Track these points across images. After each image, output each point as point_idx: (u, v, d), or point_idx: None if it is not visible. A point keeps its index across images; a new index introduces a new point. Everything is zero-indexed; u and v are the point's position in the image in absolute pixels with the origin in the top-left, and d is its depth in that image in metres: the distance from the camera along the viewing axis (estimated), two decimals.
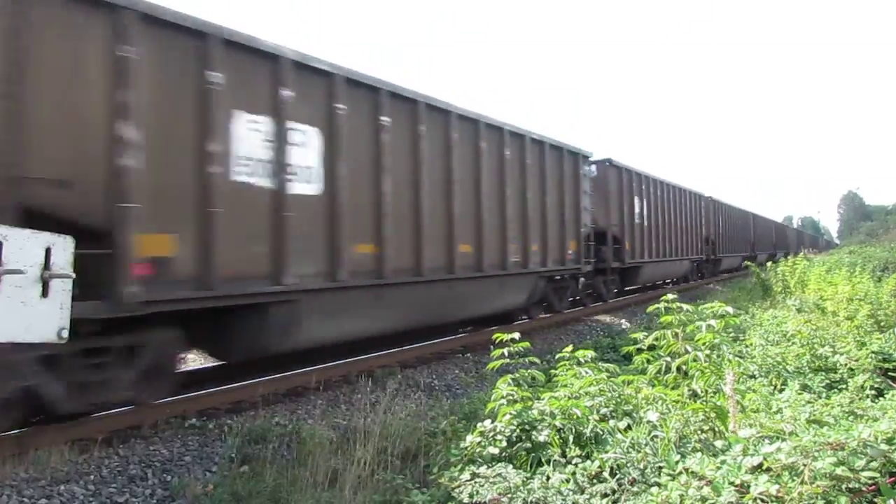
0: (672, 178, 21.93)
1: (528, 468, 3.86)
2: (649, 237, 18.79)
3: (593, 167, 15.50)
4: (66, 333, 4.84)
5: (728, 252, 30.47)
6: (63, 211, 5.05)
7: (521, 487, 3.49)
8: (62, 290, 4.64)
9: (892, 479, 2.84)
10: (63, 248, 4.68)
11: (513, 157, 11.08)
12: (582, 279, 14.89)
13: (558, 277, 13.19)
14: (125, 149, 5.38)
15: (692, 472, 3.05)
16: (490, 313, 11.40)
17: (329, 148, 7.33)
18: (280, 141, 6.75)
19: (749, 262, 20.61)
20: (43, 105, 5.01)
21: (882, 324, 8.12)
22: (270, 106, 6.68)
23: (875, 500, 2.78)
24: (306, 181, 7.07)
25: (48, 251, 4.57)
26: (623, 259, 16.78)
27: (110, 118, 5.33)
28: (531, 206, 11.60)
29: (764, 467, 2.94)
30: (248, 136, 6.47)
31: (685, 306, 4.90)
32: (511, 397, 4.53)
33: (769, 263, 18.73)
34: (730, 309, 4.60)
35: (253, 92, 6.52)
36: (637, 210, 17.81)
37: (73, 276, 4.80)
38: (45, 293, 4.56)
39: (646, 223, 18.56)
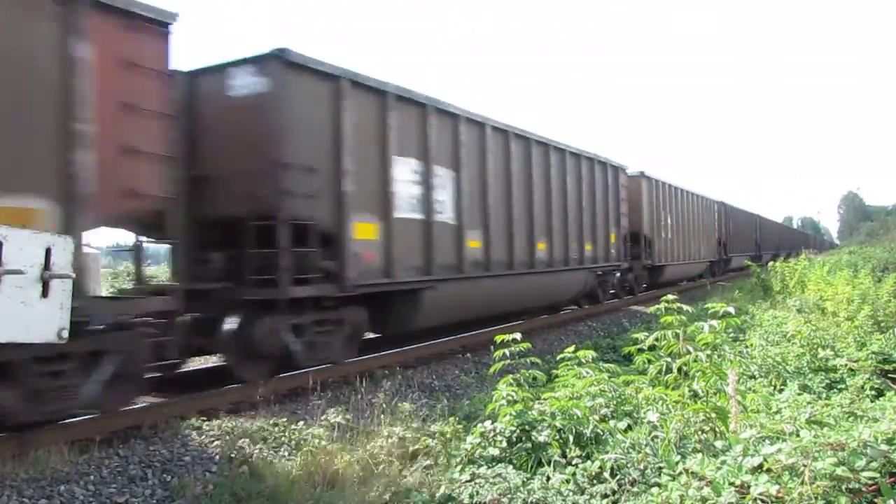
0: (685, 183, 23.75)
1: (529, 469, 3.86)
2: (673, 240, 21.04)
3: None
4: (66, 334, 4.82)
5: (737, 252, 32.29)
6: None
7: (522, 488, 3.49)
8: (62, 290, 4.62)
9: (893, 479, 2.84)
10: (63, 249, 4.66)
11: (573, 172, 13.77)
12: (618, 274, 17.19)
13: (600, 272, 15.49)
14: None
15: (692, 473, 3.05)
16: (556, 300, 14.19)
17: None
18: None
19: (749, 263, 20.91)
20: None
21: (882, 324, 8.12)
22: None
23: (875, 500, 2.78)
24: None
25: (48, 251, 4.55)
26: (653, 258, 19.08)
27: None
28: (586, 211, 14.22)
29: (764, 468, 2.93)
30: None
31: (685, 307, 4.90)
32: (511, 398, 4.52)
33: (771, 263, 18.92)
34: (731, 309, 4.59)
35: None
36: (663, 215, 20.16)
37: (73, 276, 4.78)
38: (45, 293, 4.54)
39: (670, 227, 20.71)
